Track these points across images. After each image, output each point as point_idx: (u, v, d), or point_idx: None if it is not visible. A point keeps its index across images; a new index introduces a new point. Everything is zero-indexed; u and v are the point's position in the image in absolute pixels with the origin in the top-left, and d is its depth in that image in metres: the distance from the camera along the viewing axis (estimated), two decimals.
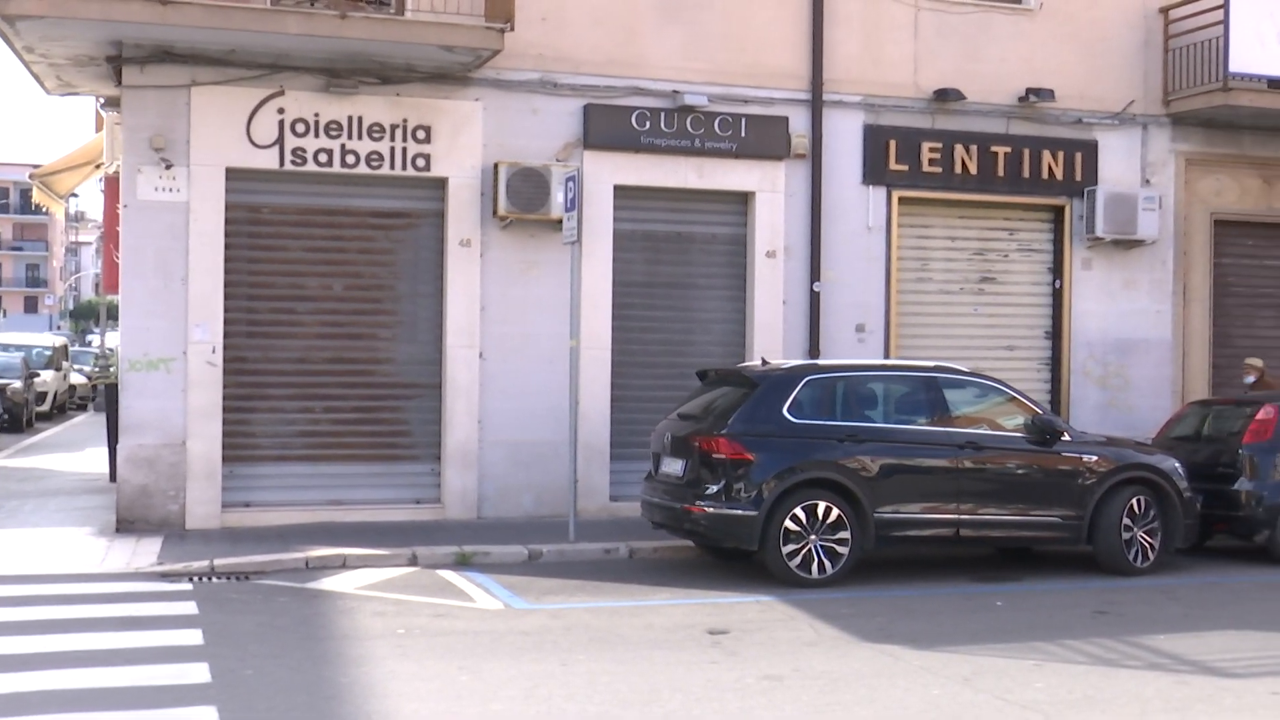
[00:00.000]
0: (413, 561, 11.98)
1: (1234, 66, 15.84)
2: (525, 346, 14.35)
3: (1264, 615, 10.49)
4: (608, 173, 14.61)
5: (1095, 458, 12.25)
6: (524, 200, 13.95)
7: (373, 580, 11.24)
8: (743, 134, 14.98)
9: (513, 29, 13.40)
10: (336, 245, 14.11)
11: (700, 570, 12.12)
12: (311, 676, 7.98)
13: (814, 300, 15.29)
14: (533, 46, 14.36)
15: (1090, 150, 16.39)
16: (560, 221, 13.70)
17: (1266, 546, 13.10)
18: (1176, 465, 12.63)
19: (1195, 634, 9.64)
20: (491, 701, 7.48)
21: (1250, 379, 15.46)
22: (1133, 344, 16.57)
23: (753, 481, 11.24)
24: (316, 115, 13.68)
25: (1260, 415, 13.39)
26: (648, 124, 14.68)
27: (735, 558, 12.29)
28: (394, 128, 13.91)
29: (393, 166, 13.93)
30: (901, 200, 15.76)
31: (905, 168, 15.67)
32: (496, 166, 14.00)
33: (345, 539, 12.62)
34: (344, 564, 11.80)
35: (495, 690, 7.70)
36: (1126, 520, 12.18)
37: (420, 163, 14.00)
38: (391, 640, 8.99)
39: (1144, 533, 12.28)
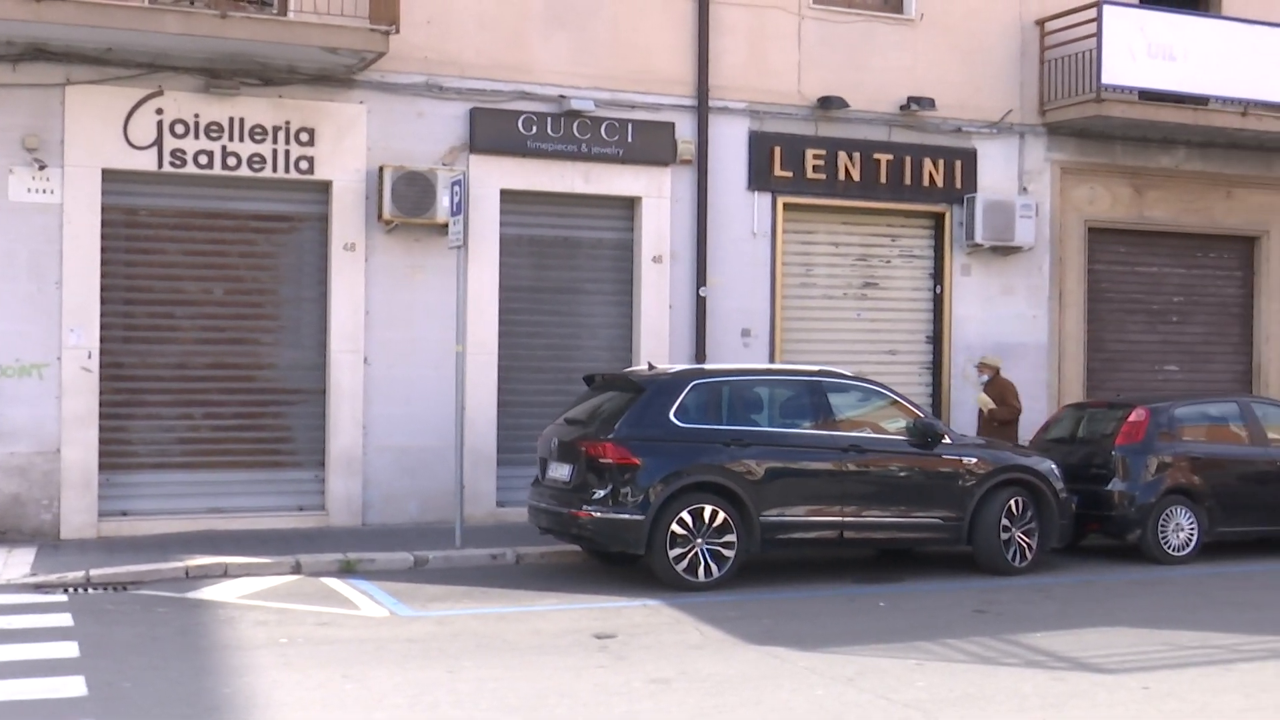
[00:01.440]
0: (296, 569, 11.82)
1: (1107, 78, 16.26)
2: (411, 352, 14.24)
3: (1136, 612, 10.78)
4: (494, 177, 14.56)
5: (975, 460, 12.49)
6: (409, 204, 13.84)
7: (255, 589, 11.06)
8: (629, 139, 15.03)
9: (398, 31, 13.29)
10: (217, 249, 13.87)
11: (587, 575, 12.12)
12: (192, 688, 7.83)
13: (700, 305, 15.38)
14: (418, 49, 14.26)
15: (970, 158, 16.72)
16: (446, 226, 13.62)
17: (1138, 545, 13.46)
18: (1053, 467, 12.92)
19: (1071, 631, 9.87)
20: (376, 710, 7.40)
21: (985, 378, 15.56)
22: (1010, 348, 16.92)
23: (639, 486, 11.28)
24: (196, 116, 13.44)
25: (1132, 418, 13.76)
26: (534, 129, 14.66)
27: (622, 562, 12.31)
28: (276, 130, 13.72)
29: (275, 169, 13.73)
30: (786, 206, 15.93)
31: (790, 174, 15.84)
32: (381, 170, 13.87)
33: (226, 547, 12.40)
34: (225, 573, 11.60)
35: (380, 699, 7.63)
36: (1005, 521, 12.44)
37: (303, 165, 13.82)
38: (274, 650, 8.86)
39: (1022, 533, 12.55)
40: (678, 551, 11.28)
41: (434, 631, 9.59)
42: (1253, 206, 18.50)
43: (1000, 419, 15.00)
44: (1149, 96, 16.90)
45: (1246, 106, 17.23)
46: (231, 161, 13.58)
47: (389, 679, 8.08)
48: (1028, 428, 15.84)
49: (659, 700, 7.68)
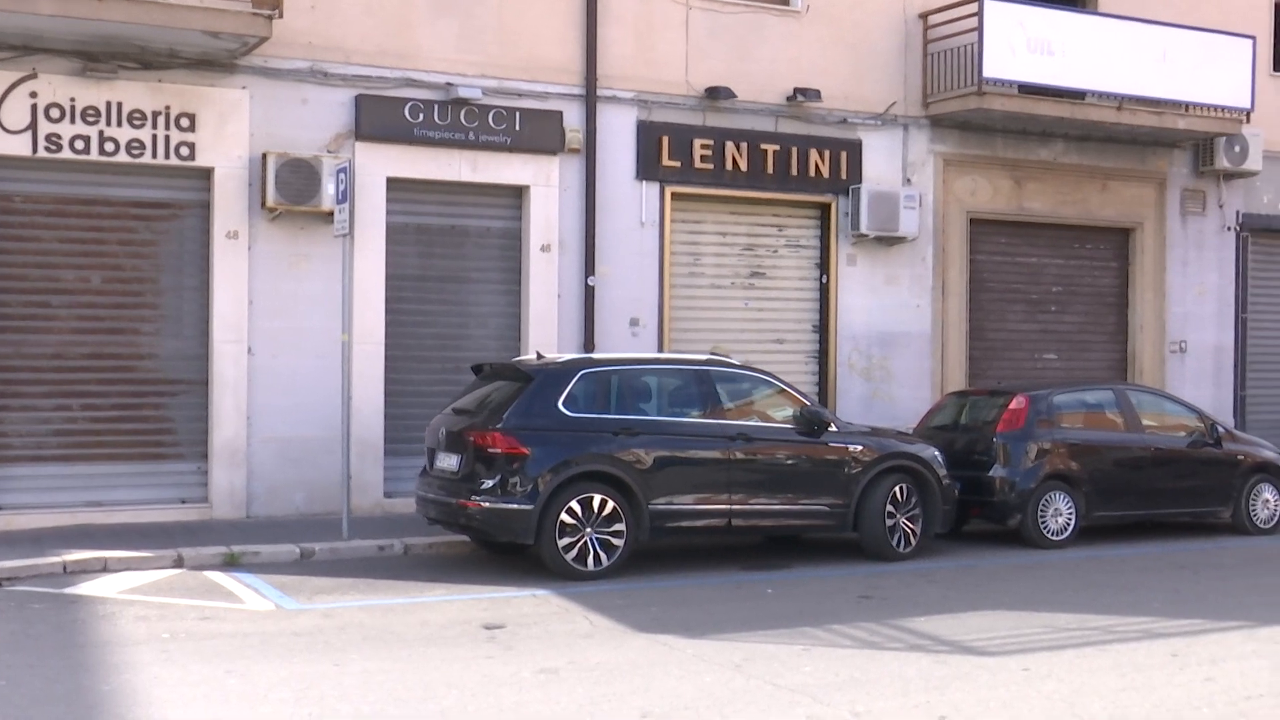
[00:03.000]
0: (178, 563, 11.60)
1: (988, 72, 16.55)
2: (296, 341, 14.04)
3: (1016, 596, 11.01)
4: (380, 165, 14.40)
5: (860, 447, 12.65)
6: (294, 192, 13.64)
7: (135, 584, 10.84)
8: (517, 128, 14.96)
9: (281, 16, 13.08)
10: (95, 236, 13.54)
11: (476, 565, 12.07)
12: (70, 686, 7.64)
13: (589, 294, 15.38)
14: (302, 35, 14.05)
15: (855, 150, 16.91)
16: (332, 214, 13.44)
17: (1018, 530, 13.75)
18: (936, 454, 13.14)
19: (953, 615, 10.05)
20: (261, 705, 7.30)
21: None
22: (895, 337, 17.18)
23: (528, 475, 11.25)
24: (73, 100, 13.10)
25: (1013, 405, 14.04)
26: (421, 116, 14.53)
27: (511, 552, 12.28)
28: (156, 115, 13.42)
29: (155, 155, 13.43)
30: (674, 196, 15.98)
31: (678, 164, 15.90)
32: (265, 157, 13.65)
33: (105, 541, 12.12)
34: (104, 567, 11.34)
35: (265, 693, 7.52)
36: (890, 507, 12.62)
37: (184, 152, 13.54)
38: (155, 645, 8.68)
39: (906, 519, 12.74)
40: (567, 541, 11.27)
41: (320, 624, 9.48)
42: (1127, 199, 18.97)
43: None
44: (1029, 90, 17.24)
45: (1121, 101, 17.66)
46: (109, 147, 13.26)
47: (274, 673, 7.97)
48: (912, 415, 16.09)
49: (548, 690, 7.68)
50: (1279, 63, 20.39)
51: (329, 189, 13.52)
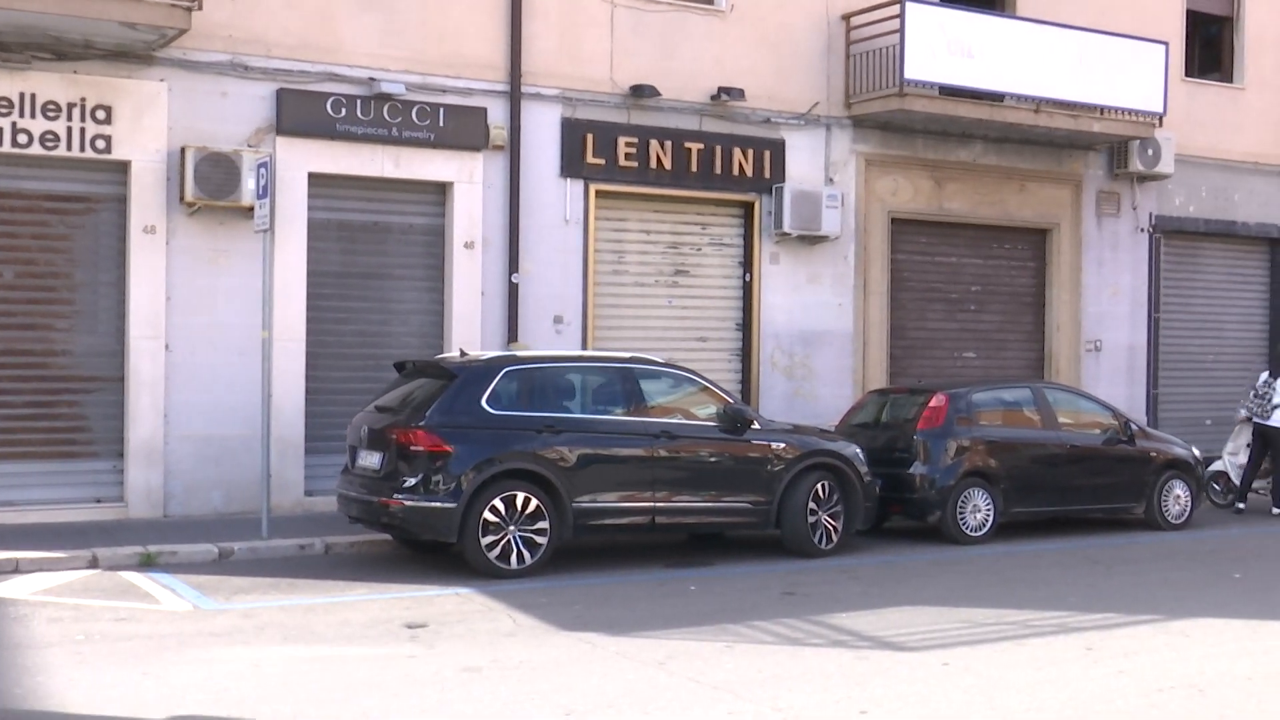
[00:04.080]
0: (93, 564, 11.40)
1: (909, 74, 16.72)
2: (215, 338, 13.86)
3: (935, 591, 11.14)
4: (302, 160, 14.25)
5: (783, 445, 12.73)
6: (213, 186, 13.46)
7: (48, 585, 10.64)
8: (441, 124, 14.88)
9: (200, 8, 12.91)
10: (7, 230, 13.27)
11: (399, 564, 11.99)
12: None
13: (512, 292, 15.34)
14: (222, 27, 13.87)
15: (778, 149, 17.01)
16: (252, 209, 13.28)
17: (938, 526, 13.91)
18: (857, 451, 13.26)
19: (874, 611, 10.14)
20: (178, 707, 7.19)
21: None
22: (817, 335, 17.30)
23: (451, 473, 11.19)
24: None
25: (932, 403, 14.20)
26: (344, 111, 14.40)
27: (434, 551, 12.22)
28: (71, 107, 13.19)
29: (70, 148, 13.20)
30: (598, 194, 15.98)
31: (602, 161, 15.90)
32: (183, 150, 13.45)
33: (17, 542, 11.89)
34: (16, 568, 11.13)
35: (182, 695, 7.42)
36: (812, 504, 12.71)
37: (100, 144, 13.32)
38: (69, 647, 8.53)
39: (828, 516, 12.84)
40: (490, 539, 11.23)
41: (239, 625, 9.37)
42: (1044, 200, 19.25)
43: None
44: (949, 92, 17.43)
45: (1039, 104, 17.91)
46: (22, 139, 13.00)
47: (191, 674, 7.86)
48: (834, 413, 16.22)
49: (469, 689, 7.65)
50: (1191, 68, 20.82)
51: (249, 184, 13.36)
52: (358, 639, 8.96)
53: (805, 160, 17.21)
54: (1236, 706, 7.48)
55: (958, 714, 7.25)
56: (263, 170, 12.68)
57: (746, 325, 17.05)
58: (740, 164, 16.70)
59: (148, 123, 13.50)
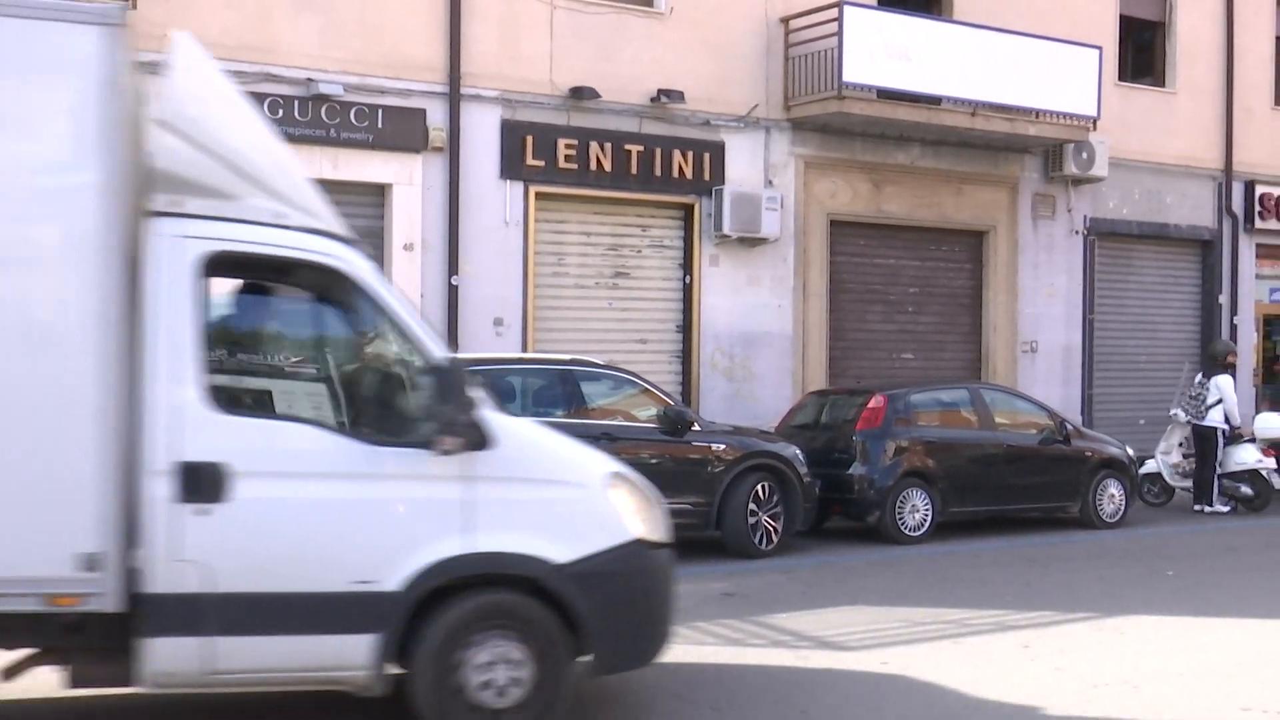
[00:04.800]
0: None
1: (847, 76, 16.81)
2: None
3: (875, 591, 11.21)
4: None
5: (723, 446, 12.76)
6: None
7: None
8: (379, 125, 14.80)
9: (135, 7, 12.77)
10: None
11: None
12: None
13: (453, 294, 15.28)
14: (157, 26, 13.64)
15: (718, 151, 17.05)
16: None
17: (877, 526, 13.99)
18: (797, 452, 13.31)
19: (814, 611, 10.18)
20: None
21: None
22: (757, 337, 17.36)
23: None
24: None
25: (871, 404, 14.29)
26: (281, 112, 14.28)
27: None
28: None
29: None
30: (538, 196, 15.94)
31: (542, 163, 15.87)
32: None
33: None
34: None
35: None
36: (752, 506, 12.75)
37: None
38: None
39: (768, 517, 12.89)
40: None
41: None
42: (981, 203, 19.43)
43: None
44: (887, 95, 17.54)
45: (976, 107, 18.08)
46: None
47: None
48: (774, 415, 16.28)
49: None
50: (1124, 73, 21.10)
51: None
52: None
53: (745, 162, 17.26)
54: (1170, 702, 7.58)
55: (897, 713, 7.30)
56: None
57: (687, 327, 17.07)
58: (680, 166, 16.73)
59: None
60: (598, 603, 6.47)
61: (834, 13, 16.76)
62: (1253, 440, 16.99)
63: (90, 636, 6.12)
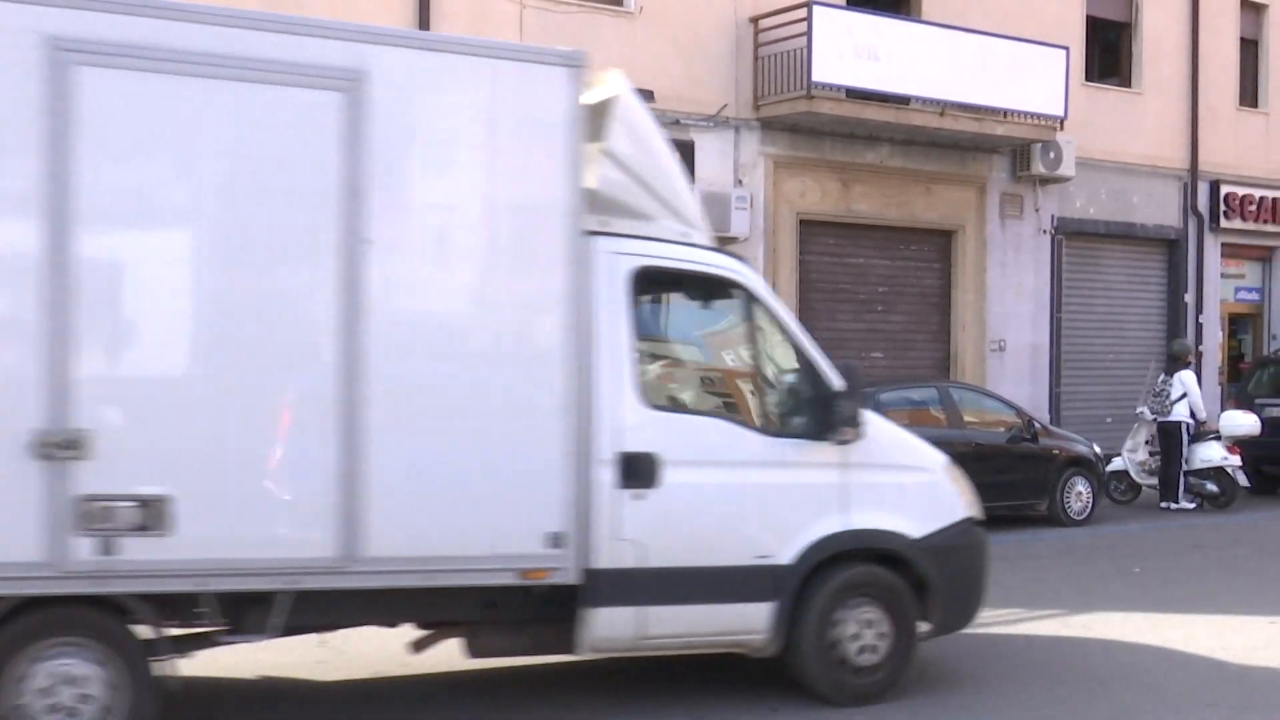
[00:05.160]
0: None
1: (816, 76, 16.86)
2: None
3: None
4: None
5: None
6: None
7: None
8: None
9: None
10: None
11: None
12: None
13: None
14: None
15: (688, 151, 17.01)
16: None
17: None
18: None
19: None
20: None
21: None
22: None
23: None
24: None
25: None
26: None
27: None
28: None
29: None
30: None
31: None
32: None
33: None
34: None
35: None
36: None
37: None
38: None
39: None
40: None
41: None
42: (950, 202, 19.51)
43: None
44: (856, 95, 17.59)
45: (944, 107, 18.16)
46: None
47: None
48: None
49: None
50: (1091, 73, 21.24)
51: None
52: None
53: (714, 162, 17.28)
54: (1137, 697, 7.64)
55: (863, 711, 7.32)
56: None
57: None
58: None
59: None
60: (942, 572, 7.52)
61: (803, 12, 16.81)
62: (1218, 438, 17.11)
63: (545, 607, 6.88)
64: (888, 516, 7.40)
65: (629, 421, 6.81)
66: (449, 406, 6.53)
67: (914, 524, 7.45)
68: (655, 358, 7.58)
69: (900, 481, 7.53)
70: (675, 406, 7.45)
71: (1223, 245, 22.72)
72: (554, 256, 6.69)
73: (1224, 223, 22.43)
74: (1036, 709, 7.43)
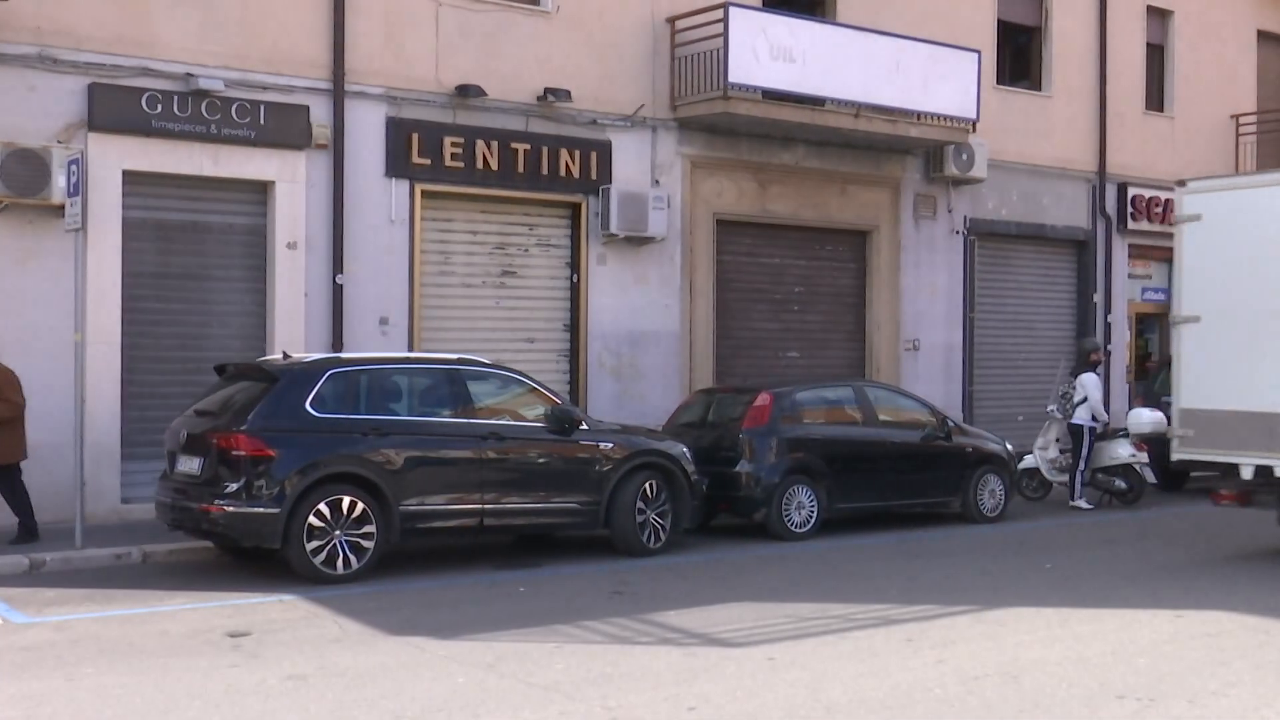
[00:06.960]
0: None
1: (733, 77, 16.95)
2: (26, 341, 13.32)
3: (761, 587, 11.31)
4: (116, 157, 13.81)
5: (611, 445, 12.79)
6: (21, 183, 12.96)
7: None
8: (262, 121, 14.58)
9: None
10: None
11: (220, 572, 11.71)
12: None
13: (337, 293, 15.10)
14: (29, 18, 13.36)
15: (605, 150, 17.08)
16: (63, 207, 12.83)
17: (764, 523, 14.12)
18: (685, 450, 13.39)
19: (702, 608, 10.24)
20: None
21: None
22: (644, 336, 17.42)
23: (274, 478, 10.98)
24: None
25: (757, 402, 14.42)
26: (159, 107, 14.00)
27: (257, 557, 11.95)
28: None
29: None
30: (424, 194, 15.83)
31: (428, 161, 15.76)
32: None
33: None
34: None
35: None
36: (640, 504, 12.80)
37: None
38: None
39: (656, 515, 12.94)
40: (315, 544, 11.05)
41: (51, 638, 9.04)
42: (865, 203, 19.70)
43: None
44: (772, 96, 17.70)
45: (859, 109, 18.33)
46: None
47: (1, 691, 7.56)
48: (662, 413, 16.35)
49: (295, 697, 7.51)
50: (1002, 76, 21.55)
51: (60, 181, 12.89)
52: (178, 650, 8.72)
53: (632, 162, 17.31)
54: (1049, 691, 7.76)
55: (783, 707, 7.38)
56: (74, 167, 12.26)
57: (574, 326, 17.08)
58: (567, 165, 16.72)
59: None
60: None
61: (719, 14, 16.89)
62: (1126, 435, 17.42)
63: None
64: None
65: None
66: None
67: None
68: None
69: None
70: None
71: (1130, 246, 23.17)
72: None
73: (1131, 224, 22.87)
74: (950, 703, 7.52)
